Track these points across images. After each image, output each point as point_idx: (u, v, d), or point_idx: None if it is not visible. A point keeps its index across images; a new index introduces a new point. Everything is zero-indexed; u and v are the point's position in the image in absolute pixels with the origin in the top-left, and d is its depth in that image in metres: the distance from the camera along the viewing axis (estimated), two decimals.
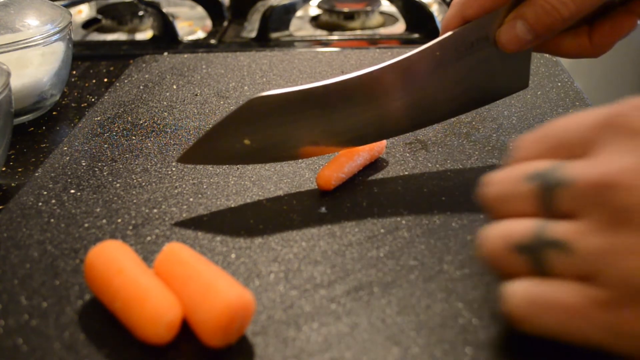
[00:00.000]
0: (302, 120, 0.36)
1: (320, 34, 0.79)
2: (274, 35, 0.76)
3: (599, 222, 0.23)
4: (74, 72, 0.65)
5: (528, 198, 0.26)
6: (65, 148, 0.45)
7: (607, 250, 0.23)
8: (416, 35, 0.76)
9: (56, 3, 0.57)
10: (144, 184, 0.40)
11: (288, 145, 0.37)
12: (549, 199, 0.25)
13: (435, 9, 0.82)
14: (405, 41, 0.75)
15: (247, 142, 0.36)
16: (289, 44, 0.75)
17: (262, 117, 0.35)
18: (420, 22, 0.76)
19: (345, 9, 0.80)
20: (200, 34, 0.80)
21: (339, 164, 0.39)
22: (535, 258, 0.25)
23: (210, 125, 0.36)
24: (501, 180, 0.27)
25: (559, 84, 0.54)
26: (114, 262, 0.28)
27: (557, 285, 0.24)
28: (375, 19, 0.82)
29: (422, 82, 0.38)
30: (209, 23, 0.83)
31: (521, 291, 0.25)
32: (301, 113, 0.36)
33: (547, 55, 0.59)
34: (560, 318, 0.24)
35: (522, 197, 0.26)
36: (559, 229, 0.24)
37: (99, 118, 0.50)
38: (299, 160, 0.42)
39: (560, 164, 0.25)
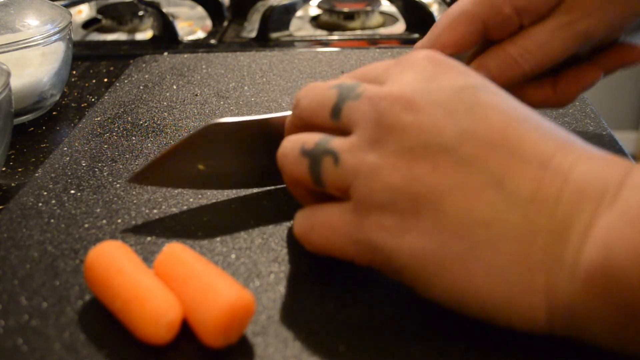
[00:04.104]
0: (258, 149, 0.36)
1: (320, 34, 0.79)
2: (274, 35, 0.76)
3: (366, 137, 0.26)
4: (74, 72, 0.65)
5: (325, 105, 0.29)
6: (65, 148, 0.45)
7: (361, 165, 0.26)
8: (416, 35, 0.76)
9: (56, 3, 0.57)
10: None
11: (242, 173, 0.37)
12: (338, 110, 0.28)
13: (435, 9, 0.82)
14: (405, 41, 0.75)
15: (201, 167, 0.36)
16: (289, 44, 0.75)
17: (218, 144, 0.35)
18: (420, 22, 0.76)
19: (345, 9, 0.80)
20: (200, 34, 0.80)
21: None
22: (314, 163, 0.28)
23: (165, 148, 0.35)
24: (311, 87, 0.31)
25: None
26: (114, 262, 0.28)
27: (325, 205, 0.28)
28: (375, 19, 0.82)
29: None
30: (209, 23, 0.83)
31: (301, 213, 0.29)
32: (257, 142, 0.36)
33: None
34: (324, 234, 0.28)
35: (321, 102, 0.29)
36: (336, 140, 0.27)
37: (99, 118, 0.50)
38: None
39: (359, 83, 0.29)
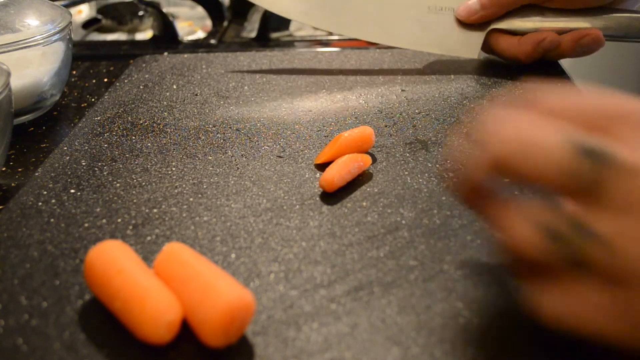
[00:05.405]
0: None
1: (320, 34, 0.79)
2: (274, 35, 0.76)
3: None
4: (74, 72, 0.65)
5: (562, 168, 0.22)
6: (65, 148, 0.45)
7: None
8: None
9: (56, 3, 0.57)
10: (144, 184, 0.40)
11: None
12: (590, 176, 0.22)
13: None
14: None
15: None
16: (289, 44, 0.75)
17: None
18: None
19: None
20: (200, 34, 0.80)
21: (344, 165, 0.38)
22: (569, 248, 0.22)
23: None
24: (527, 124, 0.24)
25: (559, 84, 0.54)
26: (114, 262, 0.28)
27: (584, 291, 0.23)
28: None
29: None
30: (209, 23, 0.83)
31: (551, 302, 0.24)
32: None
33: None
34: (585, 315, 0.23)
35: (553, 162, 0.22)
36: (602, 224, 0.22)
37: (99, 118, 0.50)
38: (299, 160, 0.42)
39: (601, 139, 0.22)
